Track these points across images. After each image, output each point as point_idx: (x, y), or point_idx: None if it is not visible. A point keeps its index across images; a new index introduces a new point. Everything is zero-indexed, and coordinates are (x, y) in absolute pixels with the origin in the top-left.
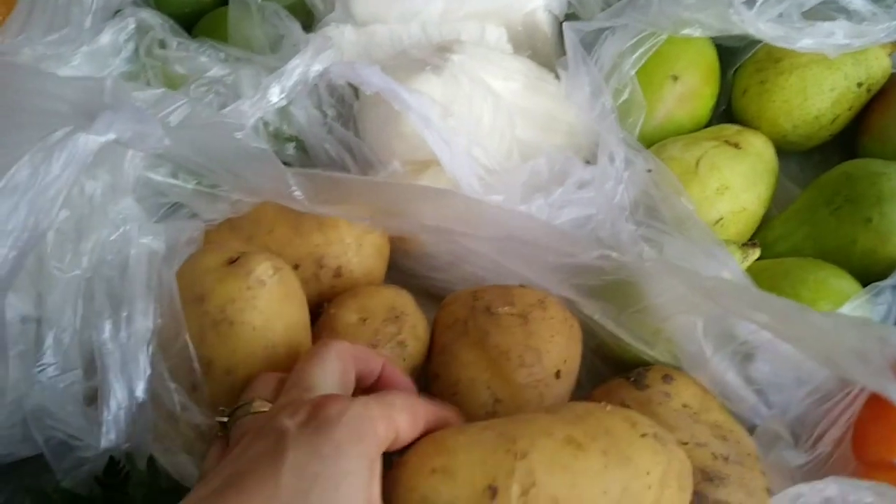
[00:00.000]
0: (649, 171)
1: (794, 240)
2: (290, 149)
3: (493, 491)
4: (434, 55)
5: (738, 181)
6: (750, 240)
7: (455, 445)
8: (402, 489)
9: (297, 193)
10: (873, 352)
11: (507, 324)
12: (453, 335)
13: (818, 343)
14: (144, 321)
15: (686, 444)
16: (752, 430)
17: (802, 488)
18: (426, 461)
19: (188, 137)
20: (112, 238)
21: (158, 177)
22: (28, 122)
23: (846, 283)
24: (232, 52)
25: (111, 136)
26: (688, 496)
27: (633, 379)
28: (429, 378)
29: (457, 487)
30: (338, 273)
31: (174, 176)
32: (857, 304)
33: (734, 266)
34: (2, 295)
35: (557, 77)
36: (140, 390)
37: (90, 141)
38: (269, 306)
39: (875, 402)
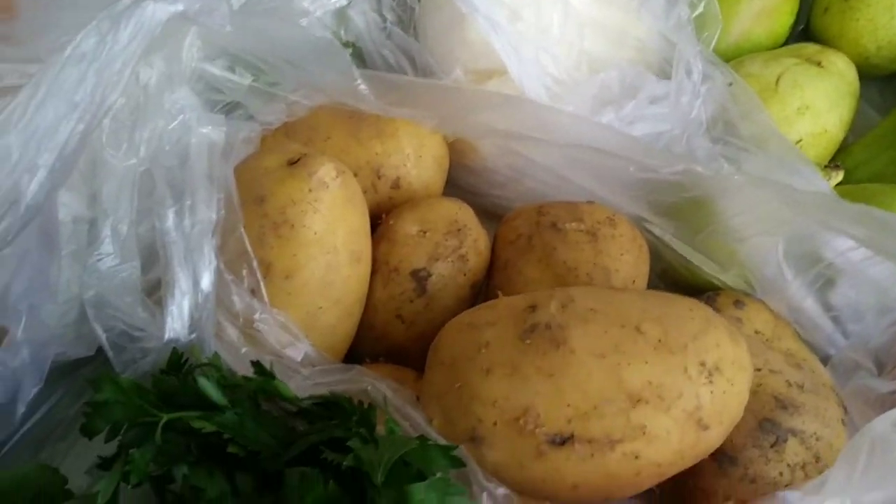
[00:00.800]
0: (730, 84)
1: (877, 166)
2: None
3: (532, 308)
4: None
5: (821, 101)
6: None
7: (497, 301)
8: (448, 326)
9: (363, 88)
10: None
11: (574, 240)
12: (516, 251)
13: None
14: (208, 211)
15: (759, 370)
16: (824, 360)
17: None
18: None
19: (251, 23)
20: (170, 127)
21: (215, 70)
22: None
23: None
24: None
25: (179, 6)
26: (742, 350)
27: (703, 303)
28: (489, 294)
29: (498, 311)
30: (396, 184)
31: (231, 71)
32: None
33: (822, 183)
34: (65, 179)
35: None
36: (205, 281)
37: (158, 10)
38: (332, 210)
39: None
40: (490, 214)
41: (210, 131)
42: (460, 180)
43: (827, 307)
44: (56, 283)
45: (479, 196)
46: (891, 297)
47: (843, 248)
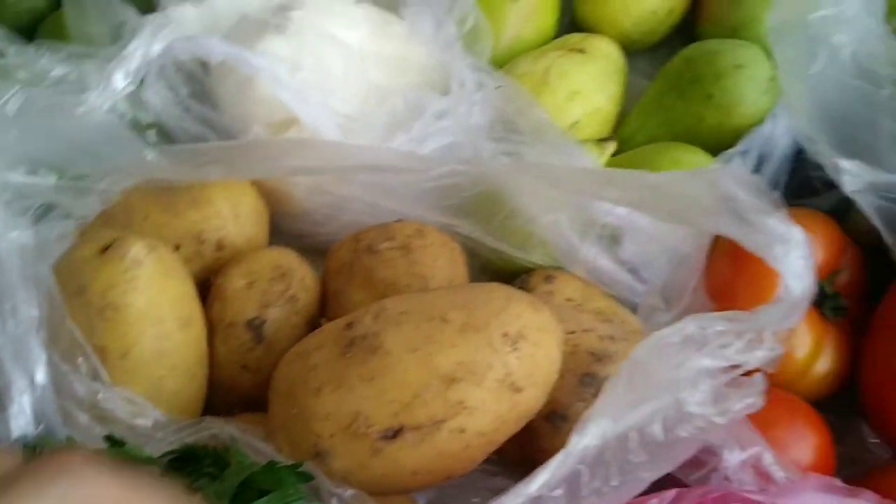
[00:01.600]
0: (498, 87)
1: (649, 129)
2: (152, 136)
3: (350, 325)
4: (275, 15)
5: (588, 84)
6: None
7: (322, 327)
8: (283, 360)
9: (155, 158)
10: (703, 195)
11: (389, 258)
12: (342, 280)
13: (659, 200)
14: (29, 309)
15: (573, 332)
16: (634, 309)
17: (665, 331)
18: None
19: (32, 125)
20: None
21: (17, 177)
22: None
23: (698, 156)
24: (74, 50)
25: None
26: (544, 315)
27: (518, 286)
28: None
29: (323, 335)
30: (220, 246)
31: (34, 174)
32: None
33: (589, 160)
34: None
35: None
36: (40, 374)
37: None
38: (150, 284)
39: (720, 243)
40: (321, 253)
41: (18, 235)
42: (285, 227)
43: (620, 263)
44: None
45: (306, 238)
46: (663, 239)
47: (608, 208)
